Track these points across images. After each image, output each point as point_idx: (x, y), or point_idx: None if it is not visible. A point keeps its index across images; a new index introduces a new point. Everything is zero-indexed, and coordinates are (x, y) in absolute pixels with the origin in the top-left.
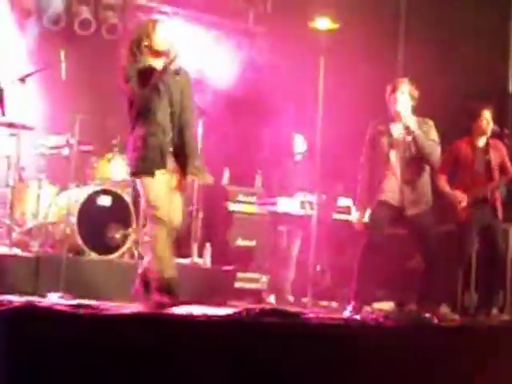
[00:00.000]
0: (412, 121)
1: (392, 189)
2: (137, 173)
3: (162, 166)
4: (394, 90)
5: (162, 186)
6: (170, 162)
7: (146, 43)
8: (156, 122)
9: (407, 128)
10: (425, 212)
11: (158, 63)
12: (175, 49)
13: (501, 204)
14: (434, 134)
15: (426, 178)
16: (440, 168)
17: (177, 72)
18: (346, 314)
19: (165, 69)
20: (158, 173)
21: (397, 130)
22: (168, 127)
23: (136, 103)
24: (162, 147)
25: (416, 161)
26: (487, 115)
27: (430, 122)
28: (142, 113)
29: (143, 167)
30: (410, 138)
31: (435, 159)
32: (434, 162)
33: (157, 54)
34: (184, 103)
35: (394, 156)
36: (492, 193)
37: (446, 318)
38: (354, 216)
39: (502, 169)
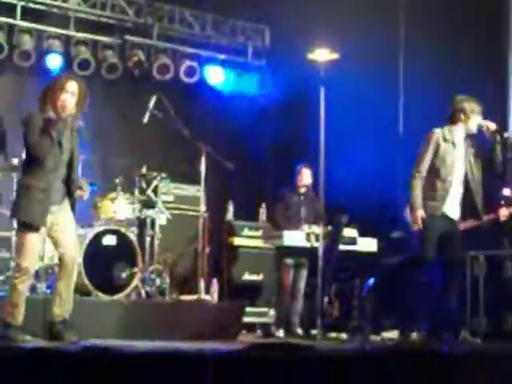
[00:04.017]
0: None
1: (450, 200)
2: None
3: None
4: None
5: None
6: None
7: (52, 96)
8: (44, 172)
9: (494, 131)
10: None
11: (59, 116)
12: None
13: None
14: None
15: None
16: None
17: (71, 127)
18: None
19: (61, 122)
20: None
21: (460, 141)
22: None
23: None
24: (45, 202)
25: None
26: None
27: None
28: (32, 161)
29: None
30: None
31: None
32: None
33: (60, 108)
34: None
35: (458, 167)
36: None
37: (468, 343)
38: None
39: None
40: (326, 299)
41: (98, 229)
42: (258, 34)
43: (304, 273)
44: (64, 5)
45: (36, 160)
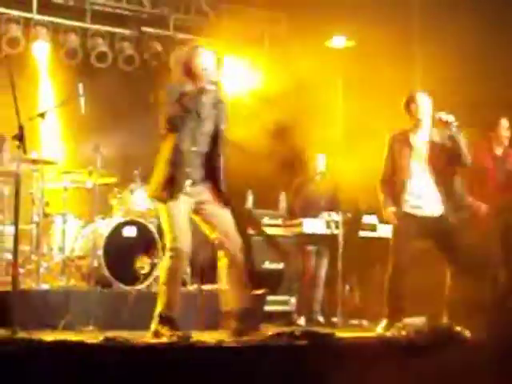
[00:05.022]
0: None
1: (415, 198)
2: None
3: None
4: (412, 100)
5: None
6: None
7: (189, 66)
8: (180, 146)
9: (447, 123)
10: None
11: (196, 87)
12: (213, 75)
13: None
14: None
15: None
16: None
17: (214, 98)
18: (378, 330)
19: (200, 92)
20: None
21: (417, 140)
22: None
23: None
24: (179, 177)
25: (443, 166)
26: (505, 124)
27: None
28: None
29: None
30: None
31: (469, 158)
32: (468, 160)
33: (197, 78)
34: (219, 127)
35: (416, 165)
36: None
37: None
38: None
39: None
40: (347, 287)
41: (117, 220)
42: (275, 22)
43: (325, 260)
44: None
45: (171, 133)
